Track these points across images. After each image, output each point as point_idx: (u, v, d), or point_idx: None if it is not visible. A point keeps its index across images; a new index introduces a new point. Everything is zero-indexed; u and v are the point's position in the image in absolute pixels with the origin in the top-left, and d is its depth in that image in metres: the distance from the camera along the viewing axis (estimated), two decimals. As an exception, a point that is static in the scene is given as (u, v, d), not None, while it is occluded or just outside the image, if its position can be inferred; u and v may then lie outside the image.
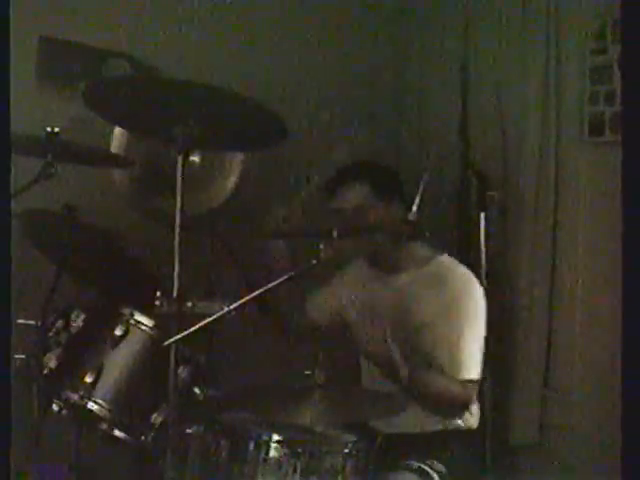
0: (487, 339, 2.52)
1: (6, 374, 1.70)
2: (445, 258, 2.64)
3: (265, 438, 2.19)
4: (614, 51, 2.98)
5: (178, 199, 2.12)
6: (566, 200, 3.19)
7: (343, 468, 2.19)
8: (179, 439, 2.18)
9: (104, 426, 2.40)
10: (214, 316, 2.09)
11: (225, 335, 2.54)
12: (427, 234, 2.47)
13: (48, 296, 2.48)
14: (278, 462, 2.16)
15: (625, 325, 1.69)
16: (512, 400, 3.25)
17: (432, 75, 3.67)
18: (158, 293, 2.14)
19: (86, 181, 2.89)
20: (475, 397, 2.57)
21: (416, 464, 2.43)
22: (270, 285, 2.16)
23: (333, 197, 2.62)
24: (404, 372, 2.39)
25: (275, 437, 2.19)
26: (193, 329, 2.07)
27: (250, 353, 3.22)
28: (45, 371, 2.43)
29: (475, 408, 2.62)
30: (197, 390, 2.42)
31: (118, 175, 2.91)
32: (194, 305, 2.14)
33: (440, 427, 2.58)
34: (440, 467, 2.45)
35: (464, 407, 2.57)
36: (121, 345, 2.44)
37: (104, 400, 2.39)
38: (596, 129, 3.07)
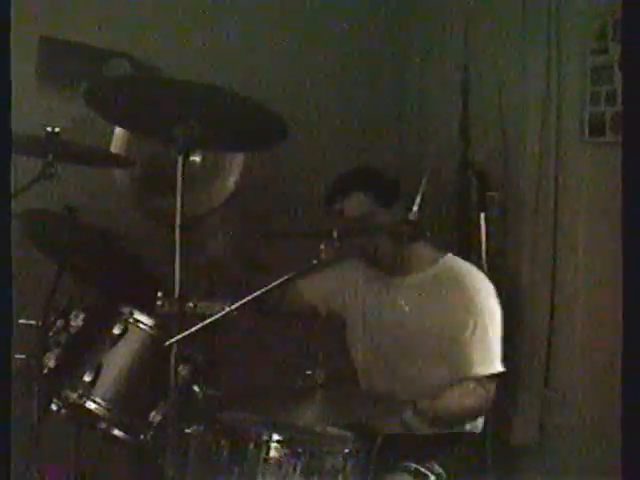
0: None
1: (6, 374, 1.70)
2: (451, 258, 2.65)
3: (265, 438, 2.18)
4: (615, 51, 2.97)
5: (178, 199, 2.12)
6: (566, 200, 3.18)
7: (343, 468, 2.18)
8: (179, 438, 2.17)
9: (103, 425, 2.40)
10: (215, 316, 2.09)
11: (225, 335, 2.54)
12: (427, 234, 2.47)
13: (49, 296, 2.48)
14: (278, 462, 2.16)
15: (625, 325, 1.69)
16: (512, 400, 3.25)
17: (432, 75, 3.66)
18: (159, 293, 2.15)
19: (86, 181, 2.89)
20: (494, 392, 2.56)
21: (413, 465, 2.43)
22: (270, 285, 2.16)
23: (334, 204, 2.60)
24: (406, 413, 2.40)
25: (275, 437, 2.18)
26: (194, 329, 2.07)
27: (250, 353, 3.23)
28: (44, 371, 2.43)
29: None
30: (196, 389, 2.42)
31: (118, 175, 2.90)
32: (195, 305, 2.15)
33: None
34: (438, 469, 2.45)
35: (486, 408, 2.59)
36: (120, 344, 2.43)
37: (103, 399, 2.39)
38: (597, 129, 3.07)
